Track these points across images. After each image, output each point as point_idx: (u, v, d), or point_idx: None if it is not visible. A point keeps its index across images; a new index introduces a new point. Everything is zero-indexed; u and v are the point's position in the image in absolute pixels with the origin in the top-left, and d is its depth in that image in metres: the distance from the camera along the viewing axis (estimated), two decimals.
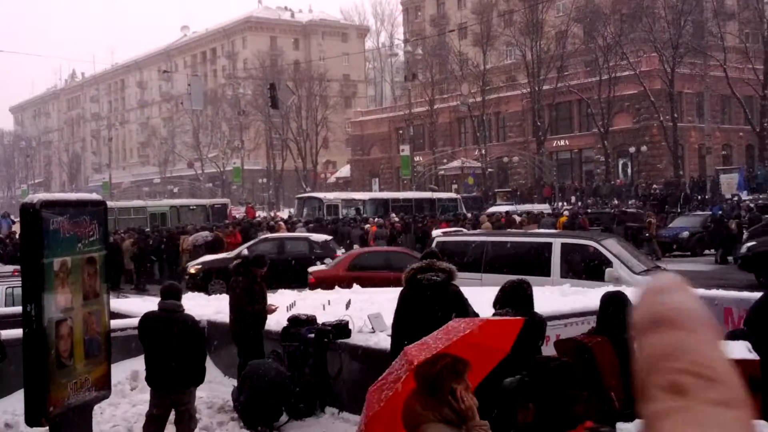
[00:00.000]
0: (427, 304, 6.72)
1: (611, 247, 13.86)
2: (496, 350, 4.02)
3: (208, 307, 11.77)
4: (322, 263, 21.00)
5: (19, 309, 10.98)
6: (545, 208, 39.89)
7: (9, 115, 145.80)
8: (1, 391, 9.26)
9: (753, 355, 4.37)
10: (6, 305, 12.84)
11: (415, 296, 6.94)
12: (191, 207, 45.01)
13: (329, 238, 24.50)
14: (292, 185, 75.54)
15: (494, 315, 6.05)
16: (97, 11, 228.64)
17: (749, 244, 21.14)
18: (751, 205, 30.67)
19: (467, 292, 7.42)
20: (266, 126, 75.14)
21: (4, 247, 25.35)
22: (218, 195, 70.32)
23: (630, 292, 6.91)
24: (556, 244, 13.98)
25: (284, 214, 50.66)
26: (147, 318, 7.43)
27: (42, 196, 6.75)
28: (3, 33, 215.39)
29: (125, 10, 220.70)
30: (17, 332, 7.79)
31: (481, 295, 8.34)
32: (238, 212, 50.08)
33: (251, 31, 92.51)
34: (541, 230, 23.22)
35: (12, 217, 36.69)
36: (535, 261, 13.84)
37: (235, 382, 9.49)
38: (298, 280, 18.32)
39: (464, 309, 6.70)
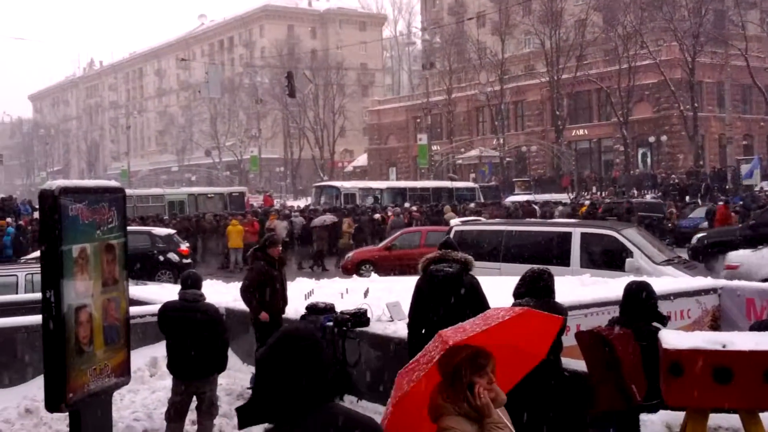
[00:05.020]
0: (440, 295, 6.69)
1: (631, 236, 13.78)
2: (531, 354, 3.90)
3: (227, 294, 11.77)
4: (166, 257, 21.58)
5: (39, 295, 11.08)
6: (563, 197, 39.69)
7: (28, 103, 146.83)
8: (21, 377, 9.32)
9: None
10: (26, 292, 12.90)
11: (429, 287, 6.91)
12: (209, 195, 45.17)
13: (172, 232, 24.41)
14: (309, 174, 75.66)
15: (513, 305, 5.97)
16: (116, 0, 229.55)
17: (699, 235, 21.39)
18: None
19: (486, 282, 7.36)
20: (283, 115, 75.21)
21: (24, 233, 25.49)
22: (235, 183, 70.54)
23: (654, 283, 6.84)
24: (576, 233, 13.89)
25: (302, 202, 50.77)
26: (167, 307, 7.41)
27: (60, 182, 6.71)
28: (23, 22, 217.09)
29: None
30: (37, 318, 7.82)
31: (500, 285, 8.29)
32: (256, 200, 50.17)
33: (268, 19, 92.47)
34: (561, 220, 23.16)
35: (32, 203, 36.98)
36: (555, 251, 13.76)
37: (253, 369, 9.48)
38: (140, 275, 18.19)
39: (479, 301, 6.63)
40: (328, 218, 28.06)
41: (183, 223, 30.39)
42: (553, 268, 9.19)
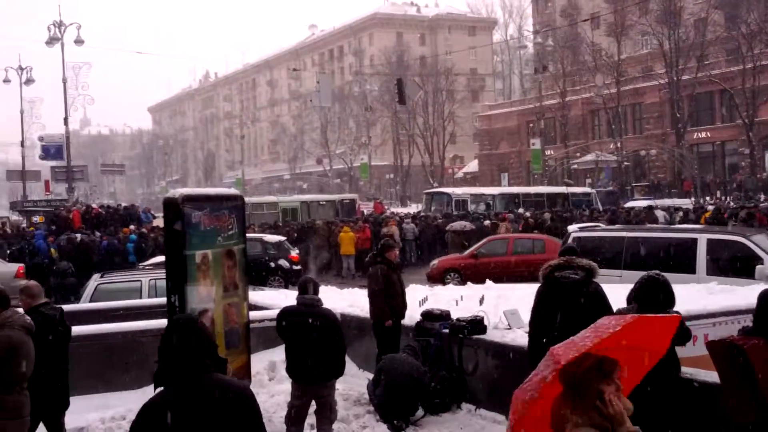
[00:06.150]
0: (565, 303, 6.51)
1: (762, 243, 13.12)
2: (651, 351, 3.73)
3: (341, 300, 11.84)
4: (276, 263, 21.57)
5: (162, 300, 11.45)
6: (685, 203, 38.15)
7: (147, 115, 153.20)
8: (146, 379, 9.60)
9: None
10: (149, 296, 13.36)
11: (552, 294, 6.78)
12: (321, 202, 45.76)
13: (283, 239, 24.45)
14: (419, 181, 75.70)
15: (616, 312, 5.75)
16: (229, 12, 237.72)
17: None
18: None
19: (606, 290, 7.15)
20: (393, 122, 75.58)
21: (146, 240, 26.48)
22: (346, 190, 71.30)
23: None
24: (702, 240, 13.33)
25: (412, 209, 50.80)
26: (286, 312, 7.47)
27: (184, 190, 6.90)
28: (142, 36, 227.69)
29: (255, 11, 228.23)
30: (161, 323, 8.04)
31: (621, 293, 8.00)
32: (367, 208, 50.57)
33: (377, 27, 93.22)
34: (686, 225, 22.26)
35: (152, 212, 38.50)
36: (679, 258, 13.21)
37: (369, 375, 9.48)
38: (252, 281, 18.16)
39: (605, 309, 6.41)
40: (468, 225, 27.92)
41: (294, 229, 30.91)
42: (677, 276, 8.84)
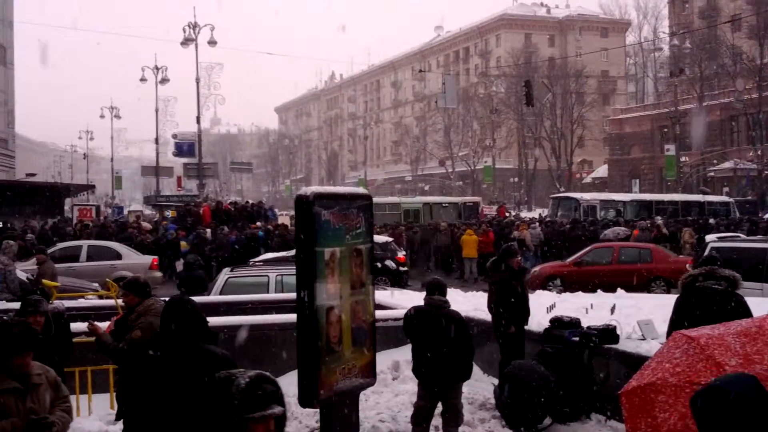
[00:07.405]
0: (708, 314, 6.17)
1: None
2: None
3: (466, 303, 11.70)
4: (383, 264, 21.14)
5: (288, 296, 11.63)
6: None
7: (274, 115, 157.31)
8: (273, 372, 9.77)
9: None
10: (276, 292, 13.62)
11: (694, 304, 6.52)
12: (444, 204, 45.62)
13: (390, 239, 24.01)
14: (544, 185, 74.34)
15: None
16: (356, 15, 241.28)
17: None
18: None
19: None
20: (518, 124, 74.50)
21: (271, 237, 27.13)
22: (468, 193, 70.87)
23: None
24: None
25: (536, 214, 49.95)
26: (415, 312, 7.43)
27: (315, 189, 6.95)
28: (270, 38, 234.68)
29: (382, 13, 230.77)
30: (289, 317, 8.10)
31: (763, 308, 7.57)
32: (490, 211, 50.05)
33: (505, 28, 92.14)
34: None
35: (275, 210, 39.24)
36: None
37: (493, 380, 9.32)
38: None
39: None
40: (622, 231, 27.22)
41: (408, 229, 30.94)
42: None
